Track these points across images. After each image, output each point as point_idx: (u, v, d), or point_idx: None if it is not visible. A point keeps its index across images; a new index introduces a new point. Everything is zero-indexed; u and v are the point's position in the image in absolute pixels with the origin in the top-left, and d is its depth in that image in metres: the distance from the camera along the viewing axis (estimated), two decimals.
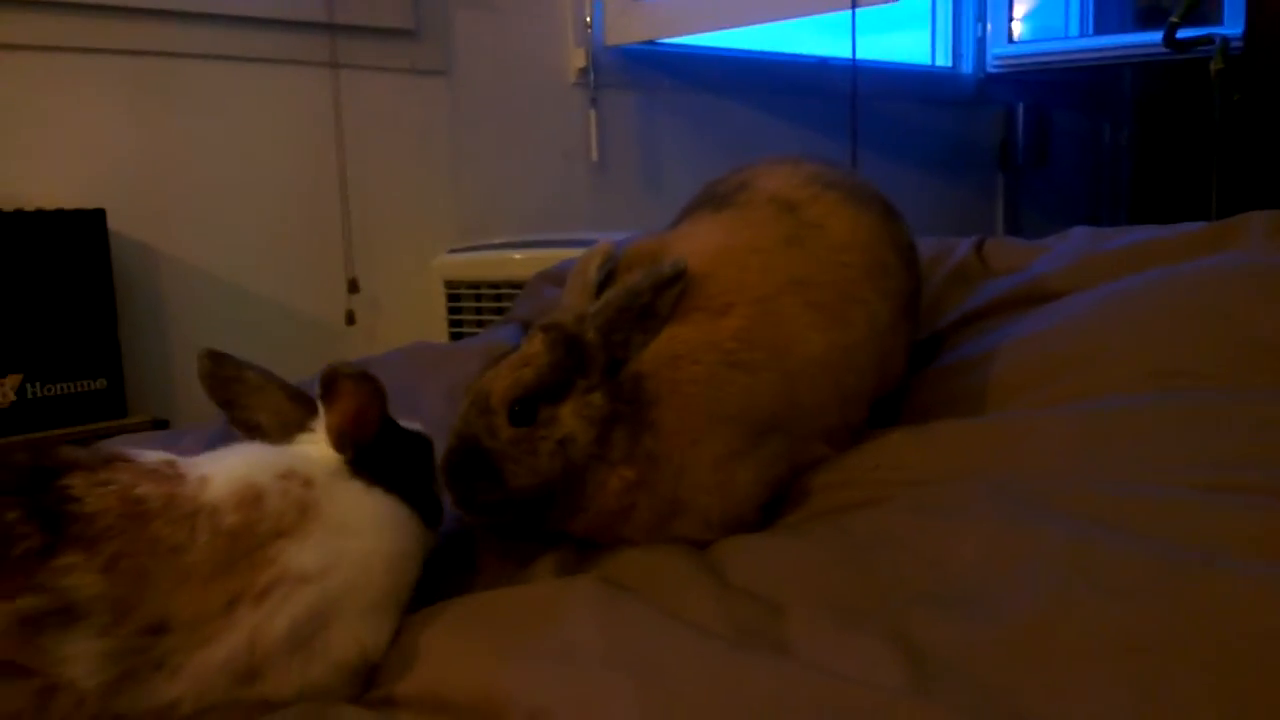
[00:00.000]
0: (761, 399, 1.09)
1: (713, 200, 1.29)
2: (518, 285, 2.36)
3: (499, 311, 2.65)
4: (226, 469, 0.83)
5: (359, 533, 0.87)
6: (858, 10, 2.95)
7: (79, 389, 2.24)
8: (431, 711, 0.82)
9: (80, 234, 2.26)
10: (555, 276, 1.95)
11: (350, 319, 2.87)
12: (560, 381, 1.04)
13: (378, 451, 0.92)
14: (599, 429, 1.04)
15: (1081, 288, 1.38)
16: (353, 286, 2.87)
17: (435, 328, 2.89)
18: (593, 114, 3.34)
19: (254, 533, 0.80)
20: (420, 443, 1.00)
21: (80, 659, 0.72)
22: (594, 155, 3.36)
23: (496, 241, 2.89)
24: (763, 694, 0.75)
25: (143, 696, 0.75)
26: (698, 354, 1.07)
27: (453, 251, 2.90)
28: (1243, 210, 1.44)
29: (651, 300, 1.07)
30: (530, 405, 1.03)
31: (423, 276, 2.92)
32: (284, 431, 0.92)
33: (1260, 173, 3.04)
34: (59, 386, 2.21)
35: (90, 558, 0.72)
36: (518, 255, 2.74)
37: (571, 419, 1.03)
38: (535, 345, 1.06)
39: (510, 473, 1.02)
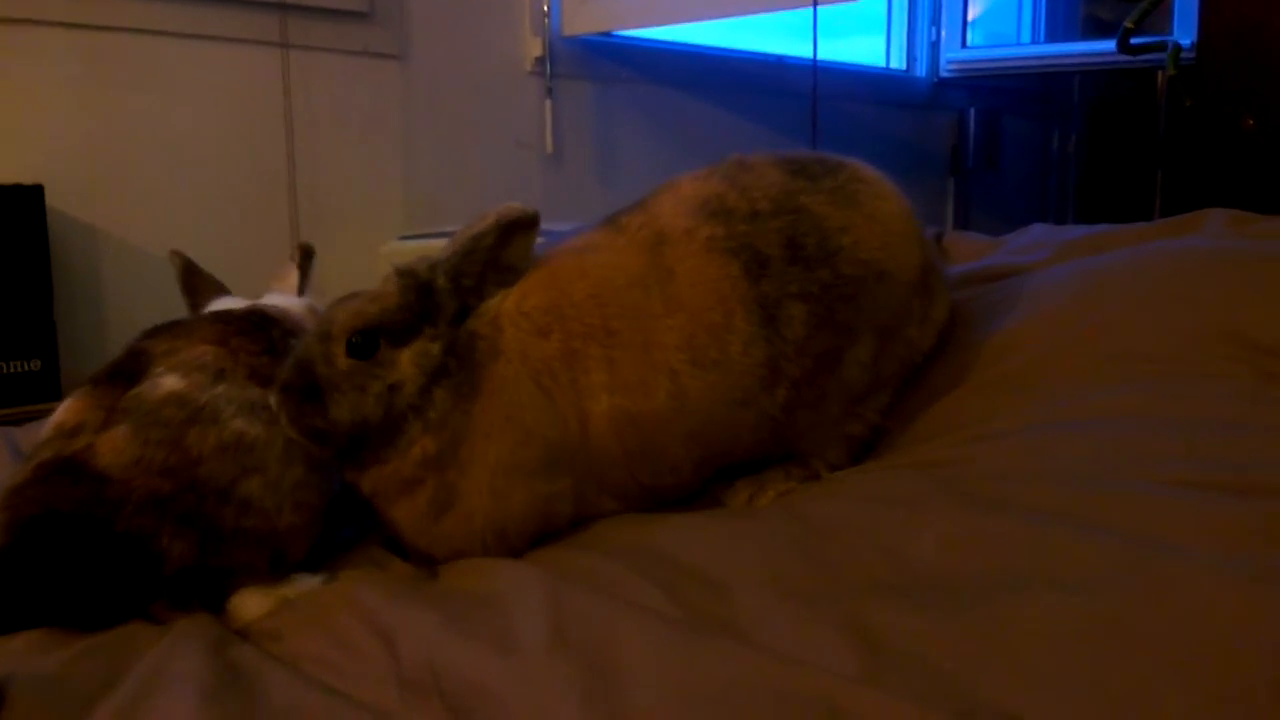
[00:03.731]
0: (555, 430, 1.05)
1: (617, 213, 1.19)
2: None
3: None
4: (290, 306, 1.27)
5: None
6: (818, 9, 2.95)
7: (12, 369, 2.16)
8: (372, 681, 0.83)
9: (16, 210, 2.18)
10: None
11: None
12: (408, 325, 1.04)
13: None
14: (427, 380, 1.03)
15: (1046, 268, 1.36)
16: None
17: None
18: (548, 104, 3.31)
19: None
20: None
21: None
22: (549, 146, 3.33)
23: (448, 229, 2.82)
24: (712, 678, 0.74)
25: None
26: (526, 328, 1.06)
27: (403, 238, 2.86)
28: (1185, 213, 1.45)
29: (496, 244, 1.05)
30: (371, 340, 1.03)
31: (372, 263, 2.87)
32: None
33: (1207, 176, 3.10)
34: None
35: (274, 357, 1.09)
36: None
37: (408, 365, 1.03)
38: (389, 285, 1.06)
39: (334, 402, 1.01)
